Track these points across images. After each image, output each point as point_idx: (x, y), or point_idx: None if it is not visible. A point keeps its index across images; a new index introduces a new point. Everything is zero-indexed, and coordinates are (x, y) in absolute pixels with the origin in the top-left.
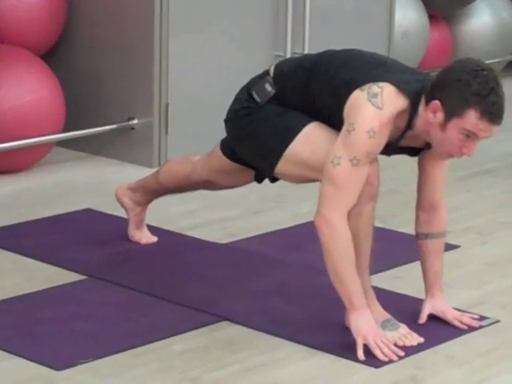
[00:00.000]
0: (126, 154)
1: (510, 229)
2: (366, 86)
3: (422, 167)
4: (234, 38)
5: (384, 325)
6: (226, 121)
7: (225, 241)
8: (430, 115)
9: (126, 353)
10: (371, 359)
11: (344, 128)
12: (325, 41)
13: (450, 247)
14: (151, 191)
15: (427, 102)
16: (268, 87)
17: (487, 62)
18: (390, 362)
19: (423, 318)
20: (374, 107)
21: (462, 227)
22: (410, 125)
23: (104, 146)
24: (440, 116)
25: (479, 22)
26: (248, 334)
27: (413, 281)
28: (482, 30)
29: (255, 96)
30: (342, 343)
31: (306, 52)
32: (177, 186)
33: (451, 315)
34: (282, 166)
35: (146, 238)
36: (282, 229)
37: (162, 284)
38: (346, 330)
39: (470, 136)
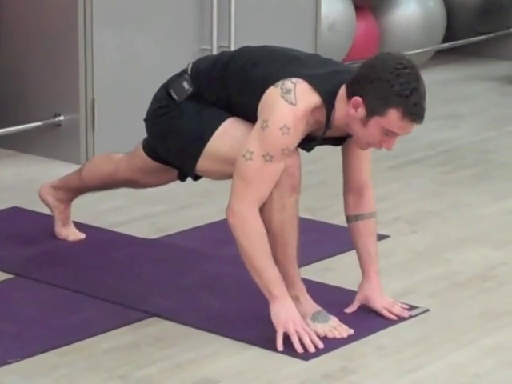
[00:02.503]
0: (53, 151)
1: (438, 218)
2: (280, 82)
3: (346, 152)
4: (159, 32)
5: (314, 317)
6: (146, 120)
7: (153, 236)
8: (351, 110)
9: (53, 352)
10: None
11: (257, 124)
12: (251, 34)
13: (379, 237)
14: (74, 189)
15: (349, 96)
16: (185, 85)
17: (414, 52)
18: (317, 353)
19: (352, 309)
20: (287, 103)
21: (391, 217)
22: (328, 120)
23: (30, 143)
24: (361, 112)
25: (406, 12)
26: (178, 330)
27: (342, 272)
28: (408, 20)
29: (173, 94)
30: (271, 337)
31: (232, 45)
32: (100, 184)
33: (381, 305)
34: (202, 163)
35: (73, 234)
36: (210, 223)
37: (90, 281)
38: None
39: (390, 134)
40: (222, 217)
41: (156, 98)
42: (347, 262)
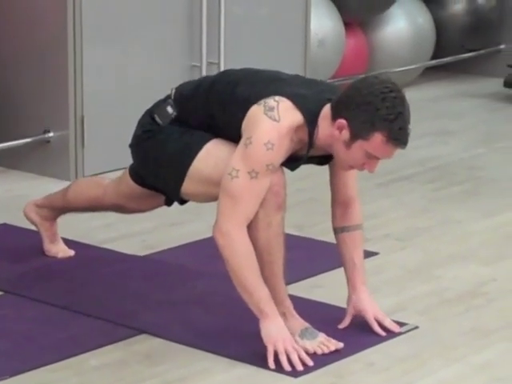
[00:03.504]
0: (42, 168)
1: (428, 234)
2: (263, 101)
3: (333, 169)
4: (149, 48)
5: (303, 334)
6: (131, 146)
7: (143, 253)
8: (335, 132)
9: (42, 369)
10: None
11: (241, 142)
12: (241, 50)
13: (369, 254)
14: (57, 208)
15: (333, 118)
16: (169, 109)
17: (403, 68)
18: (307, 370)
19: (344, 324)
20: (270, 120)
21: (380, 234)
22: (311, 139)
23: (20, 159)
24: (346, 134)
25: (395, 29)
26: (167, 347)
27: (332, 289)
28: (398, 37)
29: (157, 119)
30: (261, 354)
31: (221, 62)
32: (85, 207)
33: (372, 314)
34: (187, 186)
35: (62, 251)
36: (200, 240)
37: (80, 298)
38: None
39: (372, 157)
40: (212, 233)
41: (140, 124)
42: (337, 279)
